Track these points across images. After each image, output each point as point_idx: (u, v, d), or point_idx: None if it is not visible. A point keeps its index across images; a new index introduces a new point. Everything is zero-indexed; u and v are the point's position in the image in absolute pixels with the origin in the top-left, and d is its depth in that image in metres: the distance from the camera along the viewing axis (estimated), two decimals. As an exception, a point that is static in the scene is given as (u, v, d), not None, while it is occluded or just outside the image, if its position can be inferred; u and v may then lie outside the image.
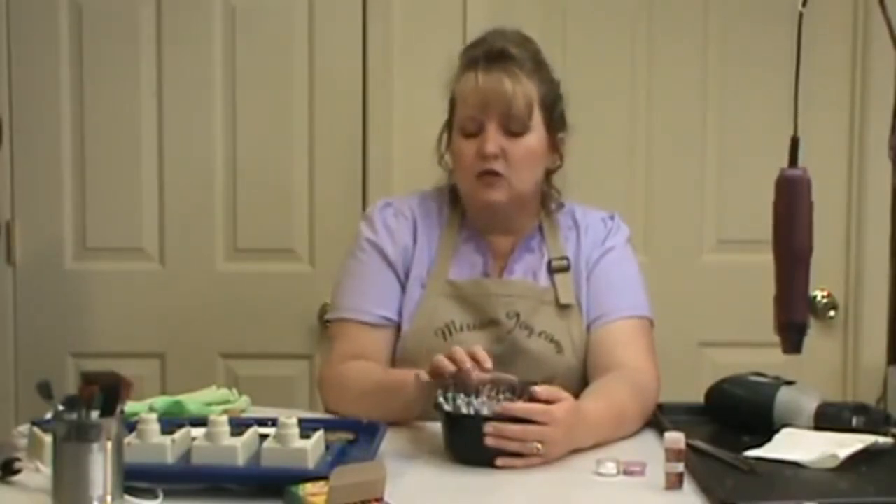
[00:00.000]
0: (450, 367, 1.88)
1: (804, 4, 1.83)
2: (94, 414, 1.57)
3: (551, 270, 2.19)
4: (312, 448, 1.72)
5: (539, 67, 2.17)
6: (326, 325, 2.33)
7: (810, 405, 1.99)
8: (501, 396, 1.90)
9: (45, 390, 1.60)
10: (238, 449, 1.72)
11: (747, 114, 2.99)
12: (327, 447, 1.80)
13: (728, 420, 2.08)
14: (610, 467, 1.79)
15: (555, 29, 2.94)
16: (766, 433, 1.93)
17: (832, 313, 3.02)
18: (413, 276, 2.19)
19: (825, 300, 3.01)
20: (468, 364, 1.88)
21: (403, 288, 2.18)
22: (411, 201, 2.26)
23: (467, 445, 1.84)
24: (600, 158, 2.94)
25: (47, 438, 1.70)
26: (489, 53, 2.13)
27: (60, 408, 1.58)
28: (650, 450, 1.89)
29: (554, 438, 1.83)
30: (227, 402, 2.12)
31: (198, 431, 1.79)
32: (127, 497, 1.61)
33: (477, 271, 2.19)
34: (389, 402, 2.02)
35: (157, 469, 1.70)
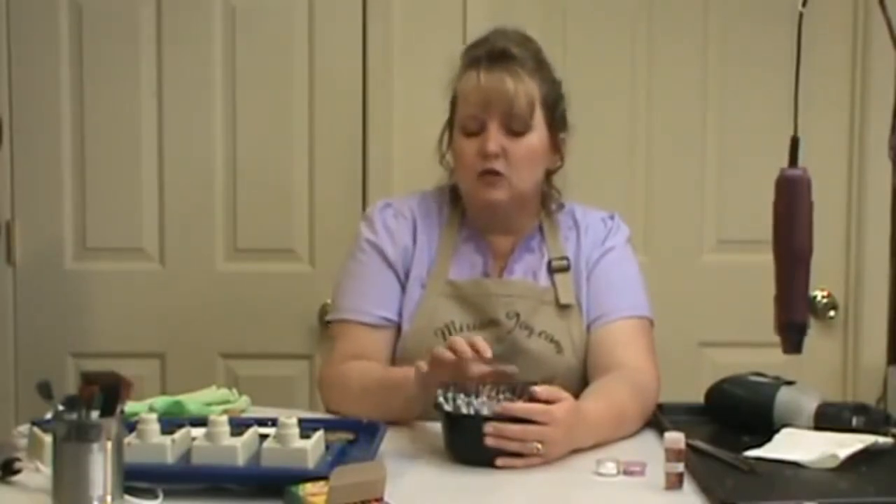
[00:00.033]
0: (450, 356, 1.88)
1: (804, 4, 1.83)
2: (94, 414, 1.57)
3: (551, 270, 2.19)
4: (312, 448, 1.72)
5: (541, 67, 2.17)
6: (327, 325, 2.33)
7: (810, 405, 1.99)
8: (501, 396, 1.89)
9: (45, 390, 1.60)
10: (238, 449, 1.72)
11: (747, 114, 2.99)
12: (327, 447, 1.80)
13: (728, 420, 2.08)
14: (610, 467, 1.79)
15: (555, 29, 2.94)
16: (766, 433, 1.93)
17: (832, 313, 3.02)
18: (413, 276, 2.19)
19: (825, 300, 3.01)
20: (469, 353, 1.88)
21: (403, 288, 2.18)
22: (411, 201, 2.26)
23: (467, 445, 1.84)
24: (600, 158, 2.94)
25: (47, 438, 1.70)
26: (491, 53, 2.13)
27: (60, 408, 1.58)
28: (650, 450, 1.89)
29: (554, 438, 1.83)
30: (227, 402, 2.12)
31: (198, 431, 1.78)
32: (127, 497, 1.61)
33: (477, 271, 2.19)
34: (390, 400, 2.02)
35: (157, 469, 1.70)
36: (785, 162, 1.83)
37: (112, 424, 1.56)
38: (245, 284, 3.04)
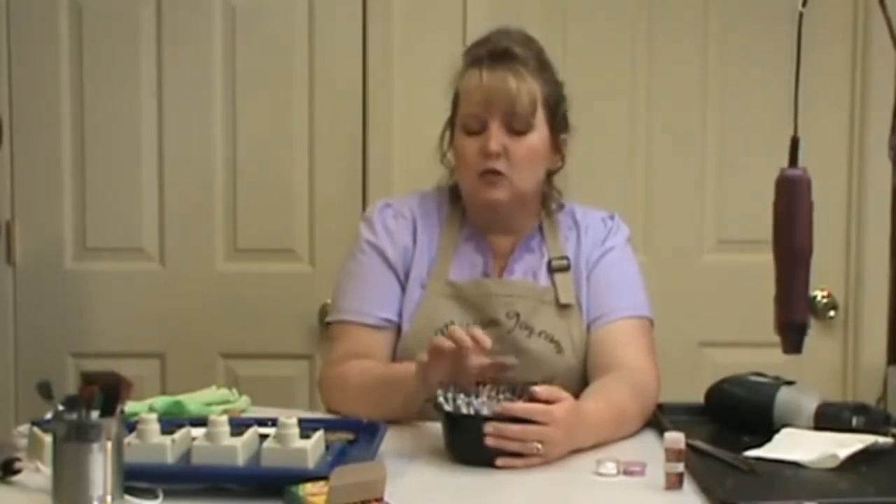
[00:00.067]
0: (450, 345, 1.88)
1: (804, 4, 1.83)
2: (94, 414, 1.57)
3: (551, 270, 2.19)
4: (312, 448, 1.72)
5: (543, 67, 2.17)
6: (327, 326, 2.33)
7: (810, 405, 1.99)
8: (501, 396, 1.90)
9: (45, 390, 1.60)
10: (238, 449, 1.72)
11: (747, 114, 2.99)
12: (327, 447, 1.80)
13: (728, 420, 2.08)
14: (610, 467, 1.79)
15: (555, 29, 2.94)
16: (766, 433, 1.93)
17: (832, 313, 3.02)
18: (413, 276, 2.19)
19: (825, 300, 3.01)
20: (468, 342, 1.87)
21: (403, 289, 2.18)
22: (411, 202, 2.26)
23: (467, 445, 1.84)
24: (600, 158, 2.94)
25: (47, 438, 1.70)
26: (494, 52, 2.13)
27: (60, 408, 1.58)
28: (650, 450, 1.89)
29: (554, 438, 1.83)
30: (227, 402, 2.12)
31: (198, 431, 1.78)
32: (127, 497, 1.61)
33: (477, 271, 2.19)
34: (390, 396, 2.02)
35: (157, 469, 1.70)
36: (785, 162, 1.83)
37: (112, 424, 1.56)
38: (245, 284, 3.04)
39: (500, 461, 1.81)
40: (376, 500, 1.58)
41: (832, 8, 2.93)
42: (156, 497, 1.65)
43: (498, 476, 1.80)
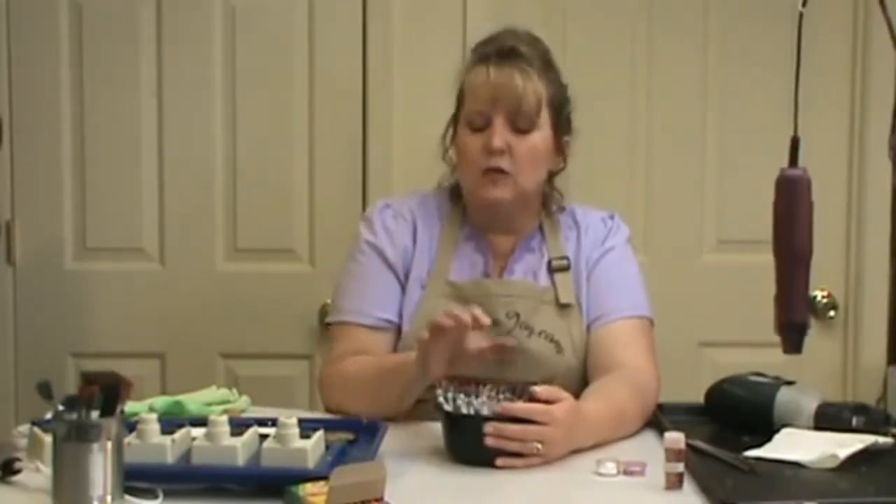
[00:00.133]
0: (450, 322, 1.87)
1: (804, 4, 1.83)
2: (94, 414, 1.57)
3: (551, 270, 2.19)
4: (312, 448, 1.72)
5: (549, 68, 2.17)
6: (327, 326, 2.33)
7: (810, 405, 1.99)
8: (501, 396, 1.89)
9: (45, 390, 1.60)
10: (238, 449, 1.72)
11: (747, 114, 2.99)
12: (327, 447, 1.80)
13: (728, 420, 2.08)
14: (610, 467, 1.79)
15: (555, 29, 2.93)
16: (766, 433, 1.93)
17: (832, 313, 3.02)
18: (413, 277, 2.18)
19: (825, 300, 3.01)
20: (468, 320, 1.87)
21: (403, 289, 2.18)
22: (410, 202, 2.25)
23: (467, 445, 1.84)
24: (600, 158, 2.94)
25: (47, 438, 1.70)
26: (501, 50, 2.14)
27: (60, 408, 1.58)
28: (650, 450, 1.89)
29: (554, 438, 1.83)
30: (227, 402, 2.12)
31: (198, 431, 1.78)
32: (127, 497, 1.61)
33: (477, 271, 2.19)
34: (390, 386, 2.02)
35: (157, 469, 1.70)
36: (785, 162, 1.83)
37: (112, 424, 1.56)
38: (245, 284, 3.04)
39: (500, 461, 1.81)
40: (376, 500, 1.58)
41: (832, 8, 2.93)
42: (156, 497, 1.65)
43: (498, 476, 1.80)
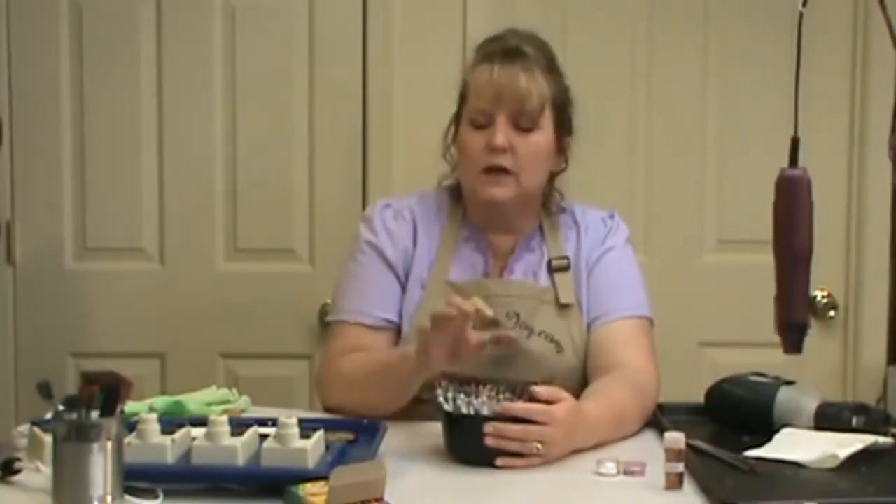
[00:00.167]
0: (452, 312, 1.87)
1: (804, 4, 1.83)
2: (94, 414, 1.57)
3: (551, 270, 2.19)
4: (312, 448, 1.72)
5: (553, 69, 2.17)
6: (327, 327, 2.33)
7: (810, 405, 1.99)
8: (501, 396, 1.89)
9: (45, 390, 1.60)
10: (238, 449, 1.72)
11: (747, 114, 2.99)
12: (327, 447, 1.80)
13: (728, 420, 2.08)
14: (610, 467, 1.79)
15: (555, 29, 2.92)
16: (766, 433, 1.93)
17: (832, 313, 3.02)
18: (413, 277, 2.18)
19: (825, 300, 3.01)
20: (470, 309, 1.86)
21: (403, 289, 2.18)
22: (410, 202, 2.25)
23: (467, 445, 1.84)
24: (600, 158, 2.93)
25: (47, 438, 1.70)
26: (506, 49, 2.14)
27: (60, 408, 1.58)
28: (650, 450, 1.89)
29: (554, 438, 1.83)
30: (227, 402, 2.12)
31: (198, 431, 1.79)
32: (127, 497, 1.61)
33: (477, 271, 2.19)
34: (389, 381, 2.02)
35: (157, 469, 1.70)
36: (785, 162, 1.83)
37: (112, 424, 1.56)
38: (245, 284, 3.04)
39: (500, 461, 1.81)
40: (376, 500, 1.58)
41: (832, 8, 2.93)
42: (156, 497, 1.65)
43: (498, 476, 1.80)
